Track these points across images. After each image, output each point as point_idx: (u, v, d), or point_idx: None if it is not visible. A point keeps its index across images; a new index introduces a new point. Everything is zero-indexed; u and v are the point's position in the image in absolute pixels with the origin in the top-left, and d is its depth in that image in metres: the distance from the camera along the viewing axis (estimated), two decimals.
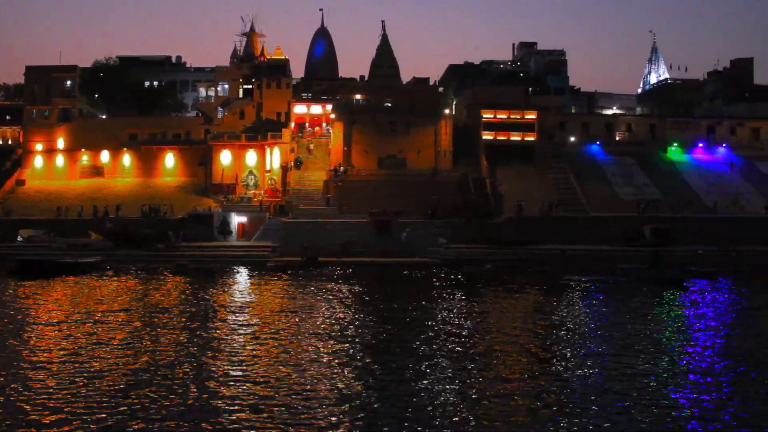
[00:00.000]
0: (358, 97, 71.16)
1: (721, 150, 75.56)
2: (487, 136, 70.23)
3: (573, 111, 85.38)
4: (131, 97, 79.85)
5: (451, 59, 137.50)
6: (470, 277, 45.50)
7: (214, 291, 38.27)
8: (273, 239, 58.66)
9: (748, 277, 46.37)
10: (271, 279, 43.96)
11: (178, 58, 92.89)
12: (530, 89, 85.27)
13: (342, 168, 66.48)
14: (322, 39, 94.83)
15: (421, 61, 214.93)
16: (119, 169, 74.80)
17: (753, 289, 40.75)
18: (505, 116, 70.76)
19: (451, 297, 36.56)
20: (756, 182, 71.44)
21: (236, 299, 35.56)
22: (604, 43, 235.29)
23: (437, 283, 42.55)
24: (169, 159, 74.25)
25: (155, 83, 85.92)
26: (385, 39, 75.52)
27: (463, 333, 26.29)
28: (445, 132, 67.98)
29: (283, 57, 76.02)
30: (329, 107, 73.74)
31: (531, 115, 71.25)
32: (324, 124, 75.95)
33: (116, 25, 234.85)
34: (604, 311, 32.17)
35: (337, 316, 30.04)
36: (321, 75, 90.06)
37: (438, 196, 63.26)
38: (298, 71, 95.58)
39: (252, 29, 78.60)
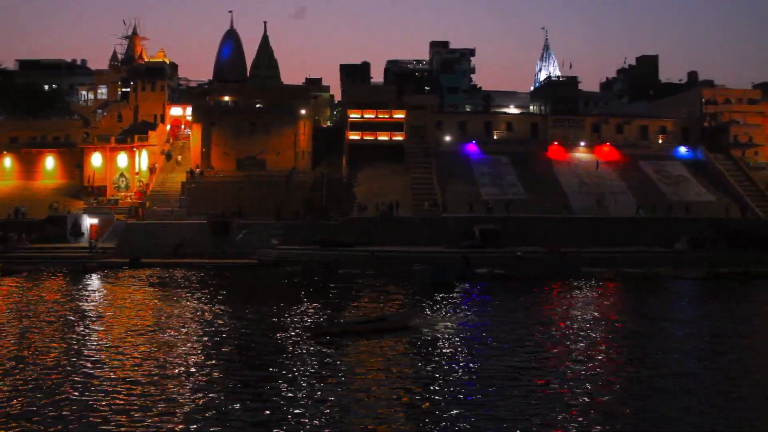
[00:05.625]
0: (227, 98, 71.03)
1: (605, 149, 74.23)
2: (354, 135, 69.68)
3: (468, 109, 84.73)
4: (21, 100, 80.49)
5: (374, 60, 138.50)
6: (262, 278, 45.44)
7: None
8: (118, 241, 59.59)
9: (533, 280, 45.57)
10: (73, 281, 44.36)
11: (83, 61, 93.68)
12: (427, 88, 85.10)
13: (198, 170, 66.43)
14: (230, 41, 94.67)
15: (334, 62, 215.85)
16: (0, 171, 75.53)
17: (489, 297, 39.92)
18: (372, 116, 70.09)
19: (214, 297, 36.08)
20: (633, 182, 70.01)
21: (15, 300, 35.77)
22: (513, 41, 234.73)
23: (213, 284, 42.35)
24: (50, 162, 74.72)
25: (54, 86, 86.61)
26: (265, 40, 75.31)
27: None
28: (303, 132, 67.56)
29: (161, 60, 76.29)
30: None
31: (400, 114, 70.47)
32: None
33: (17, 28, 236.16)
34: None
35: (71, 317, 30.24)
36: (229, 77, 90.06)
37: (288, 197, 63.08)
38: (207, 74, 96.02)
39: (134, 32, 78.93)
